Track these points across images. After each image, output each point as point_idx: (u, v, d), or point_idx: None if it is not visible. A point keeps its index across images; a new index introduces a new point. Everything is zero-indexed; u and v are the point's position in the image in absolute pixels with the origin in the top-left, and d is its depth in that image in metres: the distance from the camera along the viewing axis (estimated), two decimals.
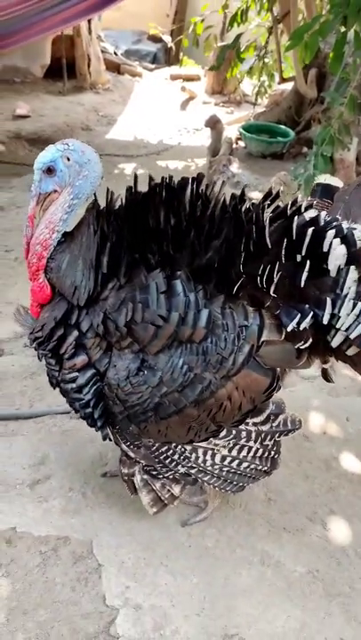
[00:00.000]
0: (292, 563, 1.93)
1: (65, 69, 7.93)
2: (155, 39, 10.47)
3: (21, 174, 5.43)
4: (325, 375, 1.76)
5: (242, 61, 5.91)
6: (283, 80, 6.38)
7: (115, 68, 9.29)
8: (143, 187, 1.62)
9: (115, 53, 9.66)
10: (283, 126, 6.11)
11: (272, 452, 1.82)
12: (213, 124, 5.49)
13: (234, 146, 5.98)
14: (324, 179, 1.83)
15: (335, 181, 1.82)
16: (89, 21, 7.70)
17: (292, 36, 4.15)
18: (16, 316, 1.85)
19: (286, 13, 5.65)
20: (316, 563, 1.94)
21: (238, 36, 5.71)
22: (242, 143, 6.27)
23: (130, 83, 9.13)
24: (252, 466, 1.82)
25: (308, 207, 1.58)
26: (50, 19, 5.14)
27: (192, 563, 1.91)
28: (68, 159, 1.60)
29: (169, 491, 1.88)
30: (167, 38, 8.97)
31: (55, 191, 1.63)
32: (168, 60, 10.72)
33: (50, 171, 1.60)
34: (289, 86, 6.43)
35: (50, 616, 1.75)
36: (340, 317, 1.52)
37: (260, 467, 1.83)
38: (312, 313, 1.52)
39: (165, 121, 7.70)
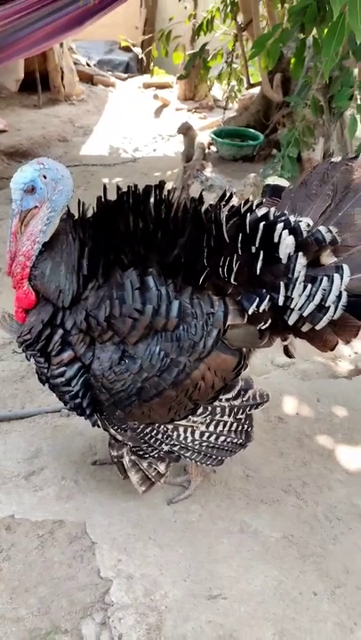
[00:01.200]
0: (269, 530, 2.12)
1: (39, 83, 8.08)
2: (126, 49, 10.66)
3: (1, 188, 5.57)
4: (287, 351, 1.97)
5: (208, 69, 6.12)
6: (251, 85, 6.60)
7: (88, 78, 9.46)
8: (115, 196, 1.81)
9: (87, 64, 9.85)
10: (252, 130, 6.33)
11: (245, 426, 2.02)
12: (185, 130, 5.70)
13: (206, 151, 6.18)
14: (273, 180, 2.06)
15: (282, 182, 2.04)
16: None
17: (254, 44, 4.35)
18: (2, 323, 1.99)
19: (250, 21, 5.87)
20: (291, 529, 2.13)
21: (204, 45, 5.94)
22: (214, 148, 6.47)
23: (104, 93, 9.30)
24: (229, 439, 2.01)
25: (259, 205, 1.79)
26: (27, 37, 5.24)
27: (178, 535, 2.09)
28: (45, 177, 1.74)
29: (155, 469, 2.07)
30: (138, 50, 9.16)
31: (35, 207, 1.77)
32: (141, 68, 10.91)
33: (30, 190, 1.73)
34: (257, 91, 6.65)
35: (50, 591, 1.92)
36: (293, 298, 1.73)
37: (236, 439, 2.02)
38: (269, 296, 1.72)
39: (140, 129, 7.88)
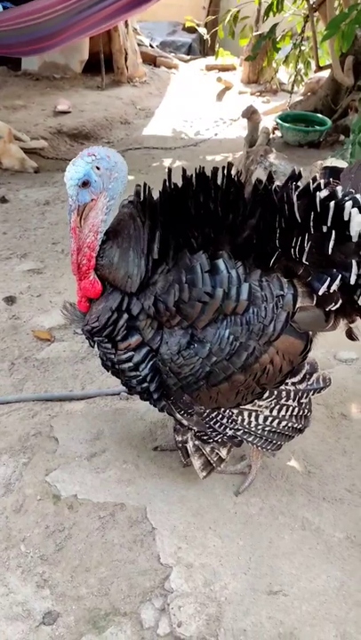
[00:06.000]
0: (332, 529, 2.07)
1: (103, 64, 8.11)
2: (190, 30, 10.53)
3: (64, 169, 5.61)
4: (350, 334, 1.92)
5: (278, 51, 5.96)
6: (319, 68, 6.39)
7: (151, 60, 9.43)
8: (178, 178, 1.76)
9: (150, 46, 9.80)
10: (319, 115, 6.14)
11: (305, 410, 2.00)
12: (250, 114, 5.58)
13: (271, 136, 6.05)
14: (330, 162, 2.00)
15: (340, 163, 1.98)
16: None
17: (328, 25, 4.20)
18: (64, 312, 1.98)
19: (322, 1, 5.66)
20: (354, 529, 2.08)
21: (274, 26, 5.77)
22: (279, 133, 6.32)
23: (166, 75, 9.25)
24: (290, 424, 1.99)
25: (327, 184, 1.75)
26: (91, 17, 5.29)
27: (238, 527, 2.07)
28: (98, 168, 1.69)
29: (217, 454, 2.07)
30: (202, 30, 9.02)
31: (92, 200, 1.72)
32: (203, 50, 10.77)
33: (85, 184, 1.68)
34: (325, 74, 6.44)
35: (110, 573, 1.94)
36: None
37: (296, 425, 2.01)
38: (340, 275, 1.69)
39: (202, 112, 7.80)
